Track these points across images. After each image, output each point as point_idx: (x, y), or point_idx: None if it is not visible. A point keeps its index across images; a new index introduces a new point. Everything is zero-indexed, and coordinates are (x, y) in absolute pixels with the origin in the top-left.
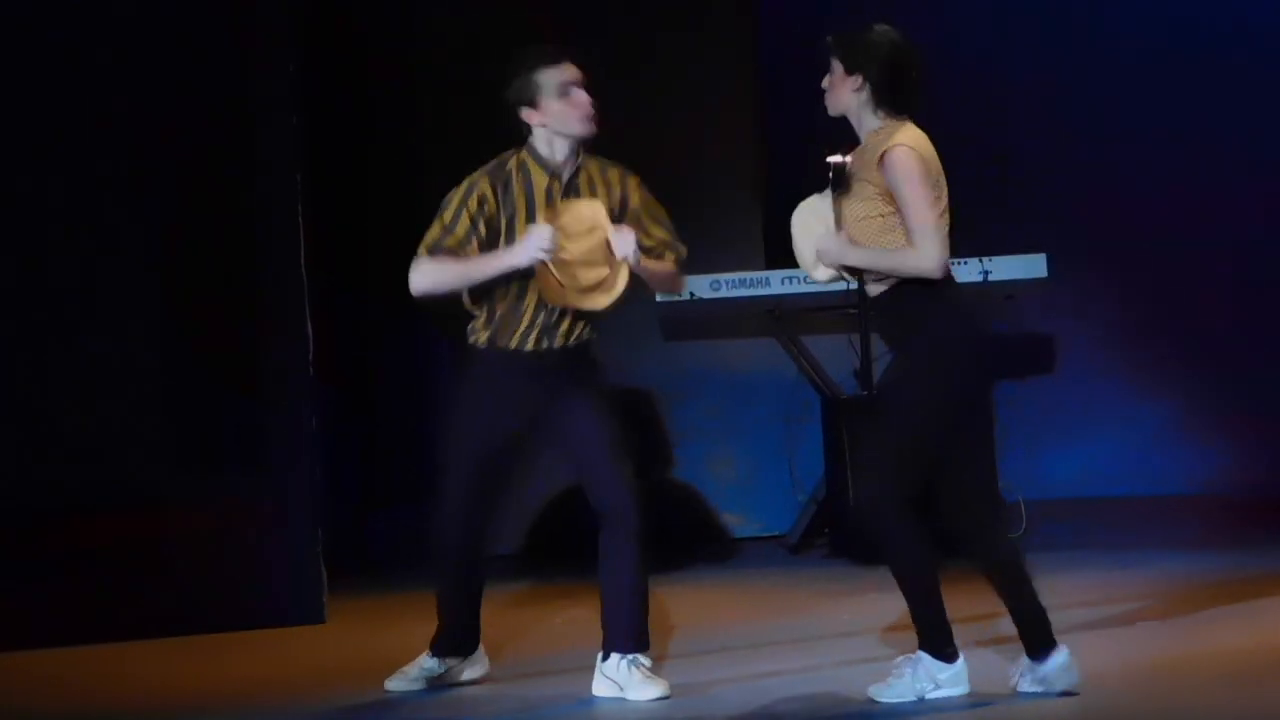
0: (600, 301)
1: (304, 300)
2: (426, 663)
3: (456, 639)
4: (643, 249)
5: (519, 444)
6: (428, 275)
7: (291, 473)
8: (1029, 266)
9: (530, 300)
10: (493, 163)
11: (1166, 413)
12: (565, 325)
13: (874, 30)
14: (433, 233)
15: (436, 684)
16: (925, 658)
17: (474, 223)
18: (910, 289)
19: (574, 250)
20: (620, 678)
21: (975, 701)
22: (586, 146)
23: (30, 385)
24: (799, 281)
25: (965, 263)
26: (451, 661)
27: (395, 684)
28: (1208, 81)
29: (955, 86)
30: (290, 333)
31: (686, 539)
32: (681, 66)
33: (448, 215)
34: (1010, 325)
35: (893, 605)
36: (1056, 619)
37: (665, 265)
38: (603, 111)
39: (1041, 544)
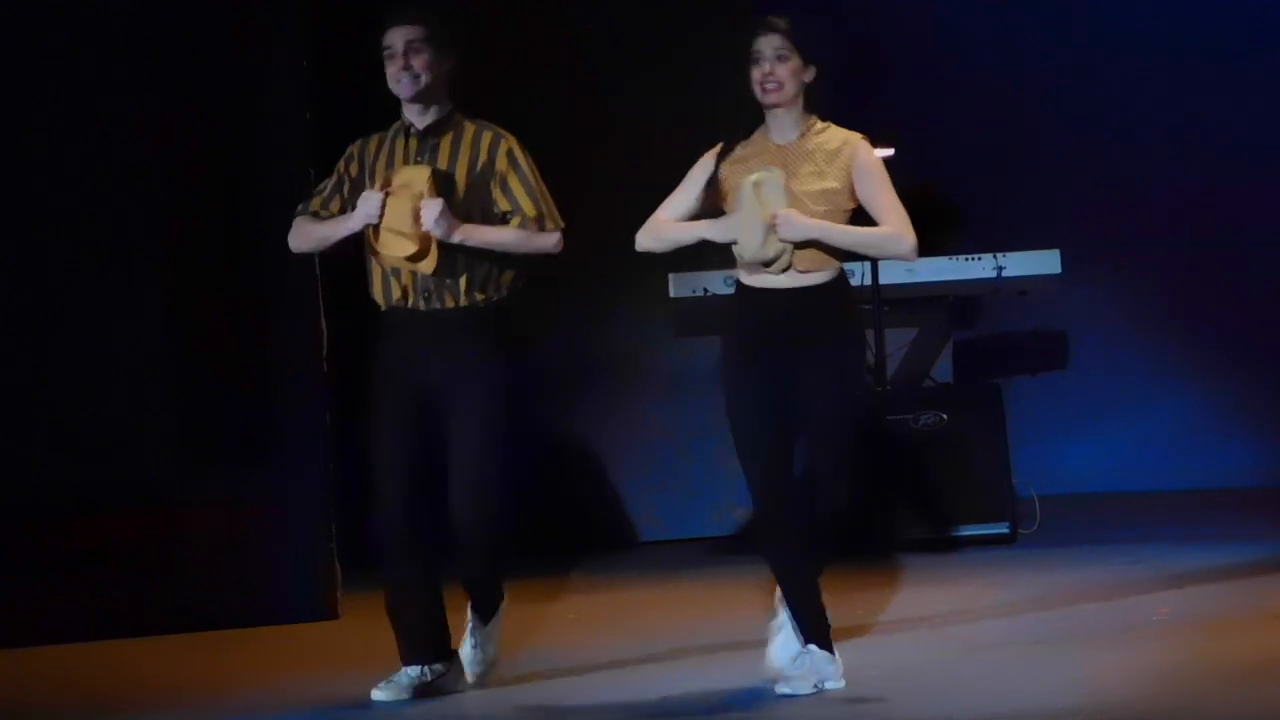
0: (420, 268)
1: (317, 297)
2: (407, 671)
3: (423, 642)
4: (499, 213)
5: (428, 416)
6: (293, 235)
7: (304, 469)
8: (1043, 262)
9: (380, 263)
10: (393, 125)
11: (1180, 408)
12: (439, 290)
13: (823, 22)
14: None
15: (423, 692)
16: (816, 650)
17: (340, 182)
18: (842, 284)
19: (392, 217)
20: None
21: (978, 701)
22: (470, 109)
23: (45, 384)
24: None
25: (979, 259)
26: (438, 667)
27: (380, 693)
28: (1222, 76)
29: (969, 82)
30: (303, 329)
31: (697, 534)
32: (689, 67)
33: (329, 176)
34: (1024, 321)
35: (895, 602)
36: (1070, 614)
37: (501, 232)
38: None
39: (1055, 539)
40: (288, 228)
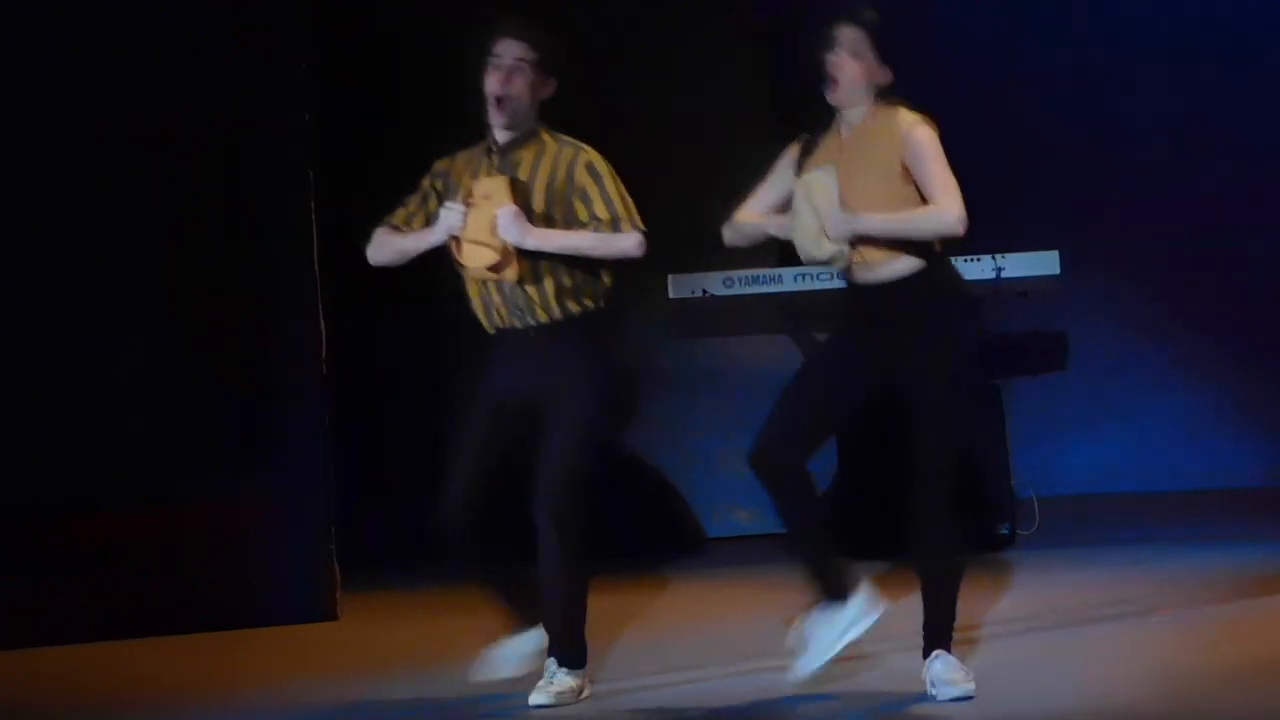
0: (503, 277)
1: (317, 298)
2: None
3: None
4: (580, 225)
5: (517, 424)
6: (372, 247)
7: (304, 470)
8: (1042, 263)
9: (470, 283)
10: (479, 141)
11: (1179, 409)
12: (529, 306)
13: (894, 20)
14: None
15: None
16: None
17: (425, 197)
18: (930, 271)
19: (472, 228)
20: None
21: (978, 701)
22: (552, 122)
23: (45, 384)
24: (812, 278)
25: (978, 259)
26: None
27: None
28: (1222, 76)
29: (969, 82)
30: (303, 330)
31: (697, 534)
32: (695, 70)
33: (414, 191)
34: (1023, 322)
35: (893, 603)
36: (1070, 615)
37: (577, 235)
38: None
39: (1054, 540)
40: (293, 231)
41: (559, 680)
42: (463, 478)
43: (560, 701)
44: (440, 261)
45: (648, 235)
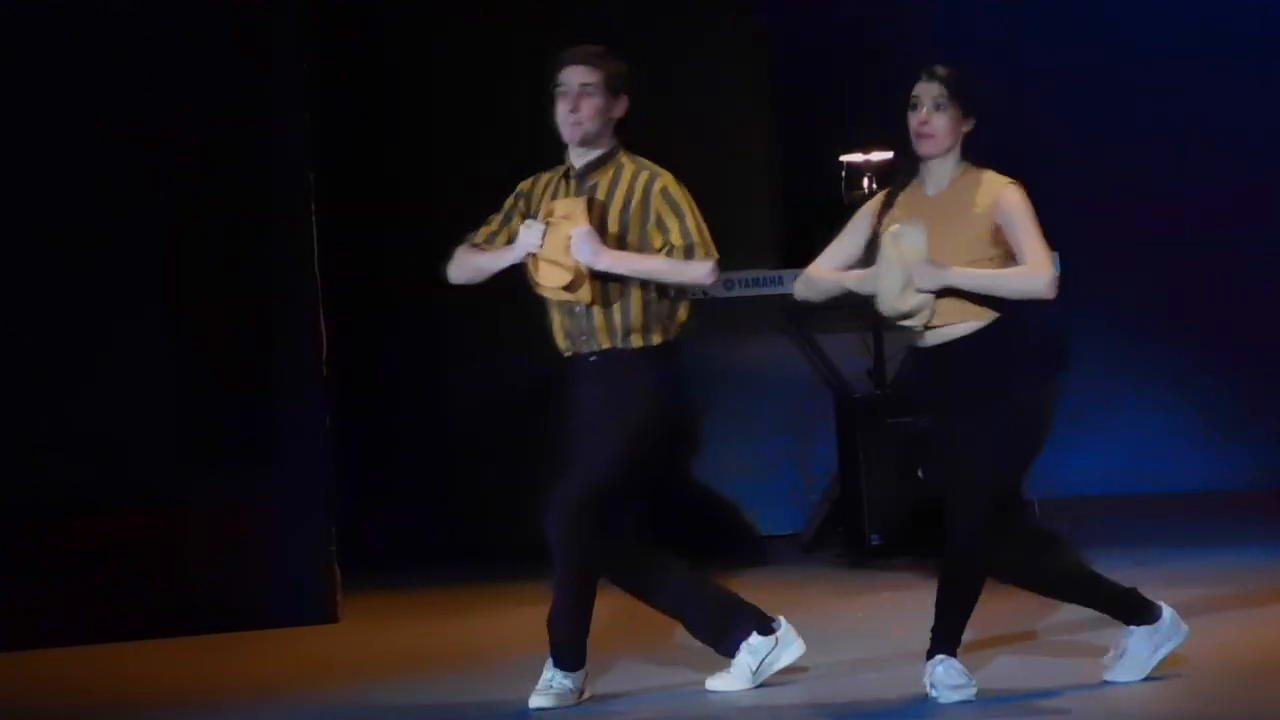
0: (577, 297)
1: (317, 299)
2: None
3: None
4: (655, 251)
5: None
6: (453, 264)
7: (304, 472)
8: None
9: (550, 304)
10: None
11: (1179, 411)
12: (592, 331)
13: (978, 74)
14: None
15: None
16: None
17: (508, 216)
18: (1000, 331)
19: (549, 248)
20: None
21: (978, 702)
22: (629, 146)
23: (45, 384)
24: None
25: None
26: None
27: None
28: (1222, 77)
29: None
30: (303, 331)
31: (700, 538)
32: (697, 75)
33: (498, 211)
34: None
35: (906, 604)
36: (1072, 616)
37: (649, 260)
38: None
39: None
40: (293, 231)
41: (558, 682)
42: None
43: (561, 704)
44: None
45: (720, 263)
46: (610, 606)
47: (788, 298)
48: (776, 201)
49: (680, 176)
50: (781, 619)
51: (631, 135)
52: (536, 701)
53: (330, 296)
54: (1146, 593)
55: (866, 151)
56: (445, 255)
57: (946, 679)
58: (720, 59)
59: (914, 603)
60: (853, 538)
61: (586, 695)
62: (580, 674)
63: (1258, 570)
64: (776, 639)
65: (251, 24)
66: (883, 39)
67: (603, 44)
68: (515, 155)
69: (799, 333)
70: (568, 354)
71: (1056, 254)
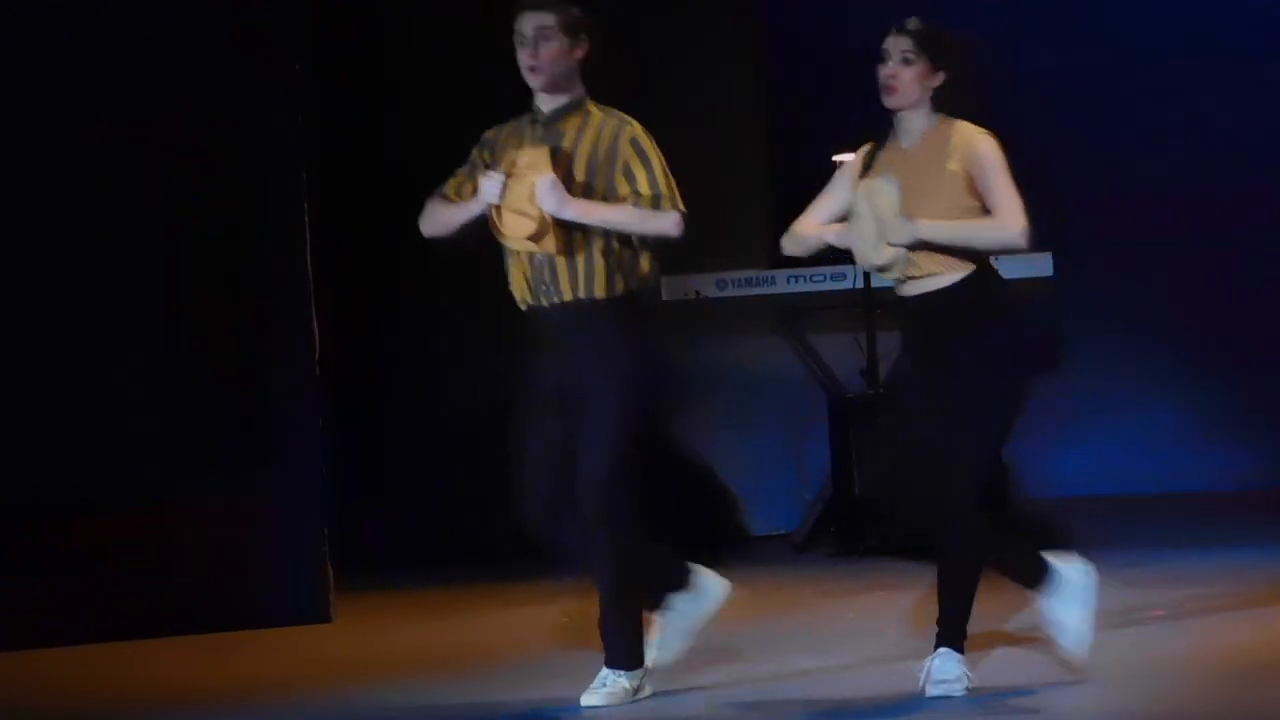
0: (541, 247)
1: (309, 299)
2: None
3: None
4: (621, 199)
5: (576, 412)
6: (424, 217)
7: (297, 472)
8: (1035, 265)
9: (510, 255)
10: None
11: (1174, 411)
12: (555, 281)
13: (950, 29)
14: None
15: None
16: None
17: (474, 167)
18: (977, 283)
19: (513, 198)
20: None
21: (976, 703)
22: (598, 96)
23: (45, 385)
24: (805, 280)
25: None
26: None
27: (587, 699)
28: (1215, 78)
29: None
30: (296, 331)
31: (693, 537)
32: (690, 73)
33: (465, 163)
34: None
35: (900, 603)
36: None
37: (616, 209)
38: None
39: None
40: (286, 231)
41: (612, 682)
42: (534, 486)
43: (613, 702)
44: (439, 260)
45: (687, 216)
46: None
47: (781, 298)
48: (770, 201)
49: (674, 174)
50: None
51: None
52: (589, 700)
53: (328, 296)
54: (1146, 592)
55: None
56: (443, 255)
57: (938, 673)
58: (715, 58)
59: (908, 602)
60: (846, 538)
61: (646, 694)
62: (637, 673)
63: (1257, 570)
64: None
65: (249, 24)
66: (878, 39)
67: (607, 42)
68: None
69: (792, 333)
70: (525, 306)
71: (1048, 253)
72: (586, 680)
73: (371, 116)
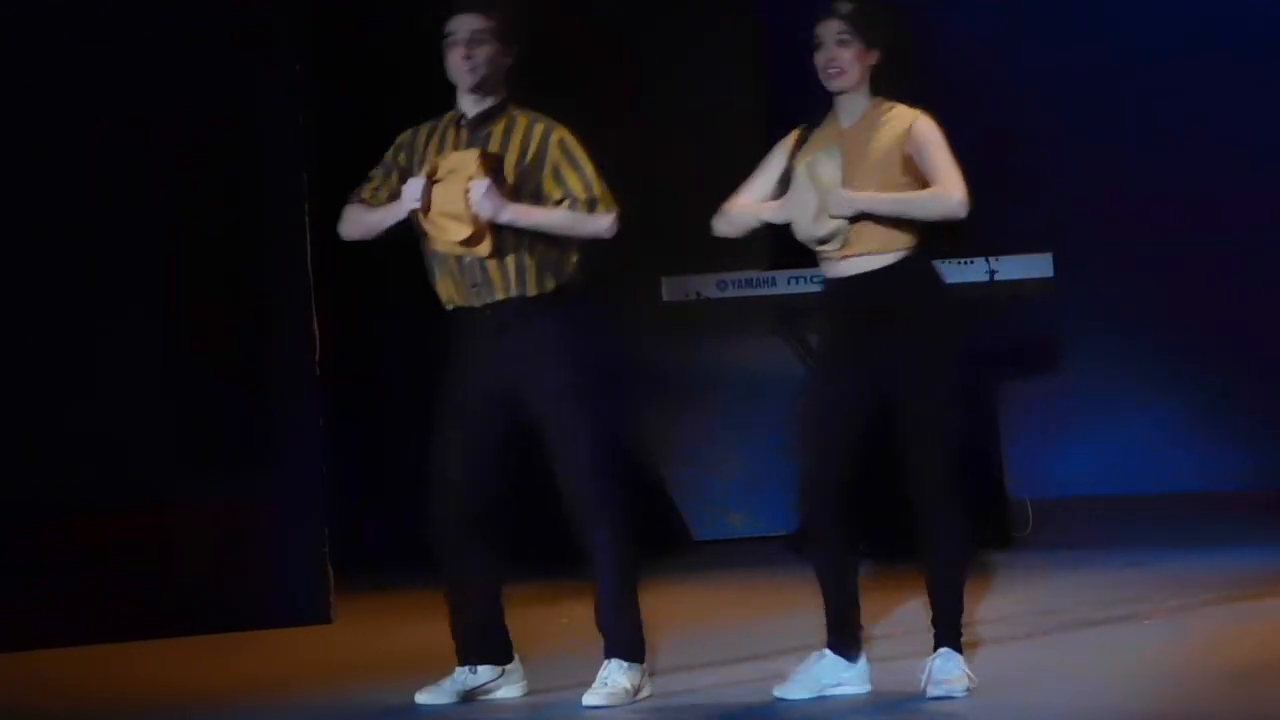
0: (475, 251)
1: (310, 299)
2: (455, 674)
3: (470, 641)
4: (553, 203)
5: (500, 415)
6: (343, 221)
7: (298, 472)
8: (1035, 266)
9: (435, 255)
10: (445, 115)
11: (1174, 411)
12: (487, 281)
13: (887, 7)
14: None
15: (469, 697)
16: (829, 655)
17: (388, 171)
18: (915, 264)
19: (443, 201)
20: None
21: (974, 705)
22: (521, 100)
23: (45, 384)
24: (806, 281)
25: (972, 262)
26: (484, 672)
27: (425, 697)
28: (1216, 77)
29: (961, 82)
30: (296, 331)
31: (690, 538)
32: (690, 73)
33: (379, 165)
34: (1017, 325)
35: (896, 605)
36: (1066, 618)
37: (551, 213)
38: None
39: (1049, 543)
40: (286, 231)
41: (613, 681)
42: (447, 496)
43: (614, 703)
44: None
45: (620, 216)
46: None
47: (781, 299)
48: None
49: (674, 177)
50: (516, 657)
51: (626, 135)
52: (590, 699)
53: (328, 296)
54: (1146, 592)
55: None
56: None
57: (938, 673)
58: (715, 58)
59: (908, 602)
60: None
61: (646, 694)
62: (638, 669)
63: (1257, 570)
64: (503, 671)
65: (248, 24)
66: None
67: (600, 40)
68: None
69: (792, 334)
70: (452, 306)
71: (1049, 254)
72: (587, 680)
73: (371, 116)
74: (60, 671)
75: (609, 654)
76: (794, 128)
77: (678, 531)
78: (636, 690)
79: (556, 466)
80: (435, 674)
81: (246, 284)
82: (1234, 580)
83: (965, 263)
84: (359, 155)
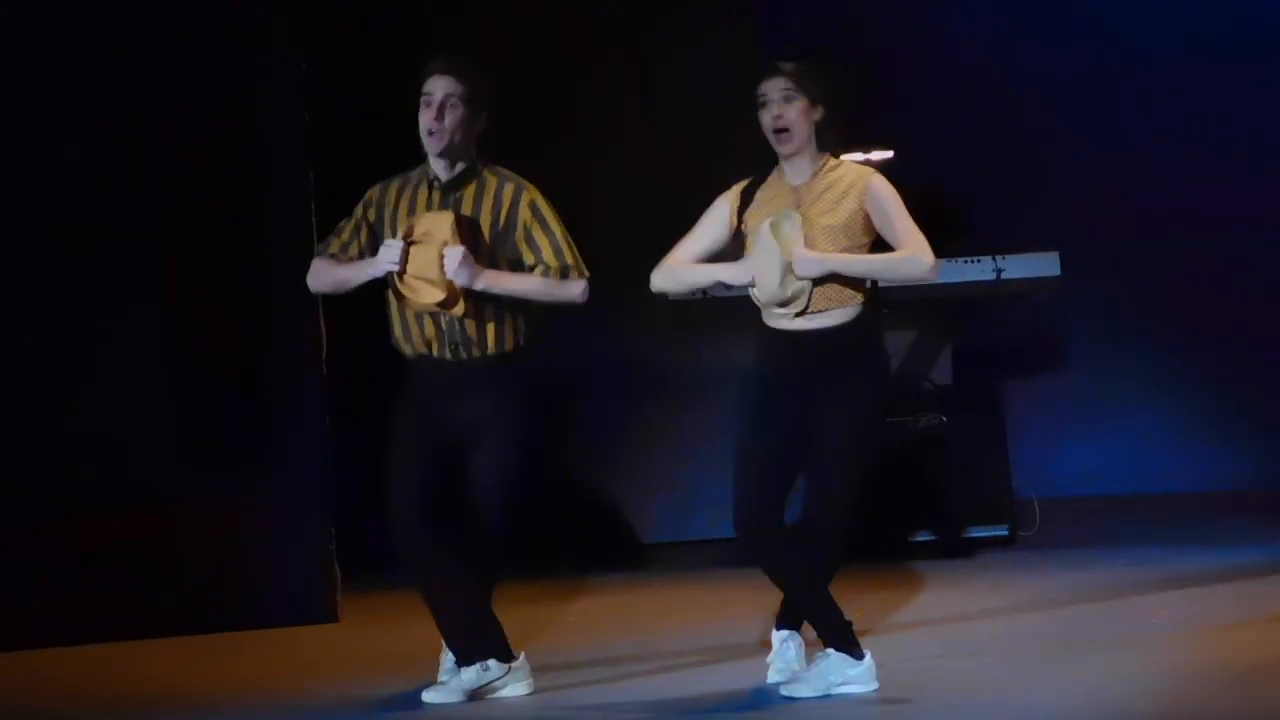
0: (452, 313)
1: (316, 300)
2: (464, 674)
3: (459, 642)
4: (526, 267)
5: (448, 447)
6: (312, 275)
7: (304, 472)
8: (1042, 265)
9: (404, 309)
10: (413, 171)
11: (1179, 411)
12: (465, 340)
13: (826, 63)
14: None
15: (476, 696)
16: (834, 654)
17: (358, 227)
18: (863, 322)
19: (418, 264)
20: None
21: (976, 704)
22: (491, 158)
23: (46, 384)
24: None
25: (979, 261)
26: (494, 669)
27: (431, 696)
28: (1222, 78)
29: (968, 85)
30: (302, 332)
31: (694, 537)
32: (690, 73)
33: (348, 219)
34: (1023, 323)
35: (896, 605)
36: (1069, 616)
37: (526, 280)
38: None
39: (1054, 541)
40: (292, 231)
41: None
42: (410, 498)
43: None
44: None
45: (591, 282)
46: (603, 600)
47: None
48: None
49: (675, 178)
50: (522, 655)
51: (626, 136)
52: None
53: (329, 296)
54: (1146, 592)
55: (866, 150)
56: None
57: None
58: (715, 58)
59: (908, 603)
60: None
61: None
62: (504, 666)
63: (1257, 570)
64: (509, 669)
65: (250, 24)
66: (880, 39)
67: (600, 39)
68: (513, 155)
69: None
70: (417, 356)
71: (1055, 252)
72: (590, 679)
73: (375, 117)
74: (60, 671)
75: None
76: (729, 184)
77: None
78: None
79: (466, 499)
80: (440, 673)
81: (249, 283)
82: (1234, 580)
83: (972, 261)
84: (364, 155)
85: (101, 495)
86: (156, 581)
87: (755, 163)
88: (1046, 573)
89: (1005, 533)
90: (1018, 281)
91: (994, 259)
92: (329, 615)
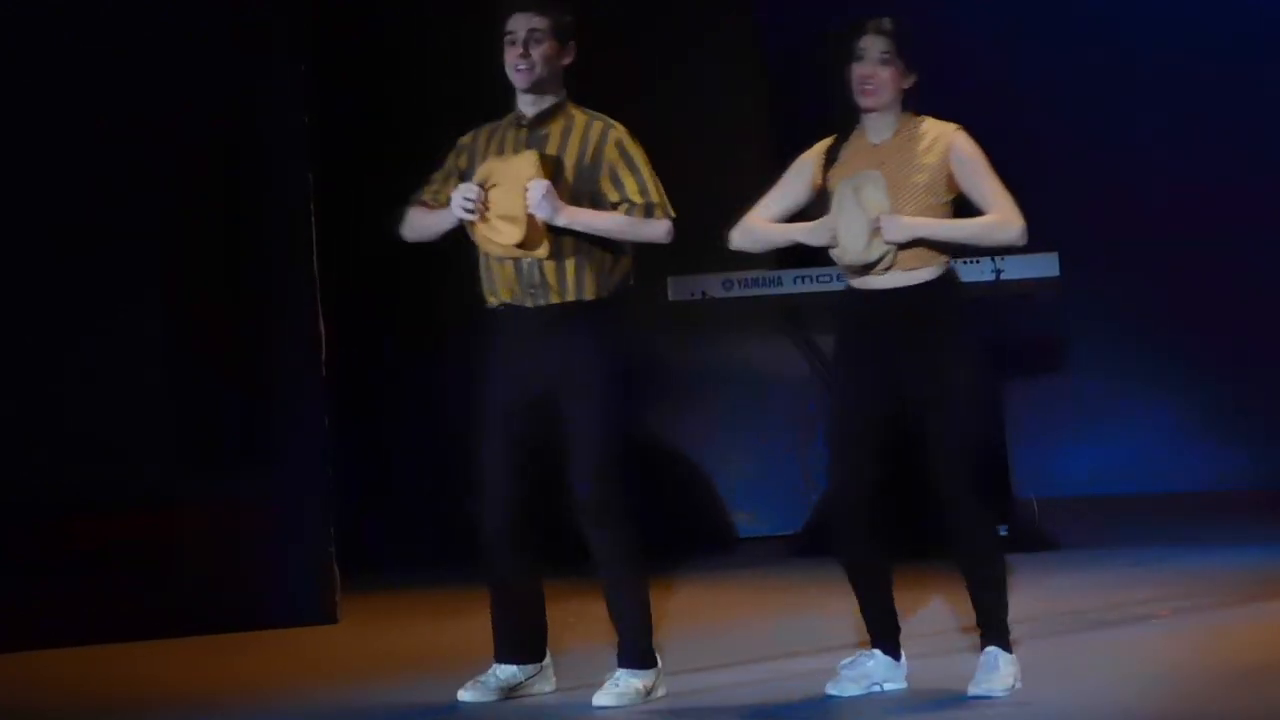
0: (536, 254)
1: (316, 300)
2: (499, 670)
3: (511, 641)
4: (610, 205)
5: (538, 414)
6: (405, 224)
7: (304, 473)
8: (1041, 265)
9: (489, 256)
10: (504, 118)
11: (1179, 411)
12: (543, 284)
13: (918, 32)
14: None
15: (510, 694)
16: (878, 654)
17: (449, 174)
18: (952, 279)
19: (501, 204)
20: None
21: (977, 704)
22: (579, 99)
23: (45, 384)
24: (811, 280)
25: (978, 261)
26: (529, 668)
27: (467, 694)
28: (1222, 77)
29: (966, 83)
30: (302, 332)
31: (697, 537)
32: (690, 73)
33: (440, 168)
34: (1023, 324)
35: (905, 603)
36: (1071, 617)
37: (609, 217)
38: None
39: (1054, 542)
40: (292, 232)
41: (624, 683)
42: (496, 499)
43: (625, 702)
44: (442, 259)
45: (676, 222)
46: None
47: (787, 298)
48: None
49: (679, 177)
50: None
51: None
52: (599, 700)
53: (330, 296)
54: (1146, 592)
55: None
56: (443, 254)
57: (982, 673)
58: (715, 57)
59: (913, 602)
60: None
61: (660, 694)
62: (650, 672)
63: (1257, 570)
64: (541, 667)
65: (250, 24)
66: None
67: (600, 40)
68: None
69: (797, 333)
70: (501, 305)
71: (1055, 253)
72: (594, 679)
73: (375, 117)
74: (60, 671)
75: (621, 664)
76: (805, 136)
77: (721, 529)
78: (649, 690)
79: (568, 465)
80: (440, 673)
81: (249, 284)
82: (1236, 580)
83: (971, 261)
84: (364, 156)
85: (101, 495)
86: (156, 582)
87: (756, 163)
88: (1046, 573)
89: (1004, 533)
90: (1017, 281)
91: (993, 259)
92: (328, 616)
